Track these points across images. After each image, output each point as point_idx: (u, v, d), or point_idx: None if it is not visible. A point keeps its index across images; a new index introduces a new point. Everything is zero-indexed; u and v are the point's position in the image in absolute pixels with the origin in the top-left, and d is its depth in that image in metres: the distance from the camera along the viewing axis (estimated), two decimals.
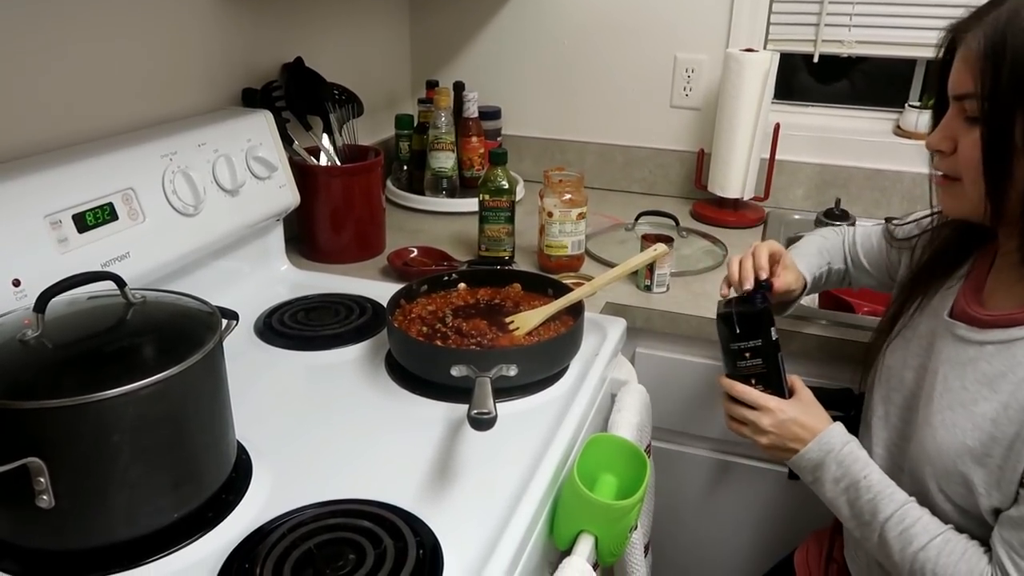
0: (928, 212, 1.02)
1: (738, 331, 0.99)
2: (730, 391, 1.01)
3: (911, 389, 0.95)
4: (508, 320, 1.13)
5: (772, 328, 0.99)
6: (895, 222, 1.12)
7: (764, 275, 1.03)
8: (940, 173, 0.89)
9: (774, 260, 1.06)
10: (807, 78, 1.93)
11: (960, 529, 0.86)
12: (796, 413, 0.98)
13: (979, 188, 0.82)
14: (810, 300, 1.60)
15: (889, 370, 0.99)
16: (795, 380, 1.02)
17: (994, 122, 0.79)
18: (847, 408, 1.07)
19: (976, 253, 0.95)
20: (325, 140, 1.50)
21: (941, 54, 0.87)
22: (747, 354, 0.99)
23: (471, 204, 1.53)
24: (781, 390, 1.00)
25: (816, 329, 1.25)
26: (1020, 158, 0.78)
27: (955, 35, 0.84)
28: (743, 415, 1.00)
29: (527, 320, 1.12)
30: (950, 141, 0.85)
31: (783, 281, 1.05)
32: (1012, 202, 0.81)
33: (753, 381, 1.00)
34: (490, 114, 1.88)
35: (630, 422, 1.04)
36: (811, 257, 1.16)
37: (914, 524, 0.87)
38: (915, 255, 1.03)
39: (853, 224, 1.60)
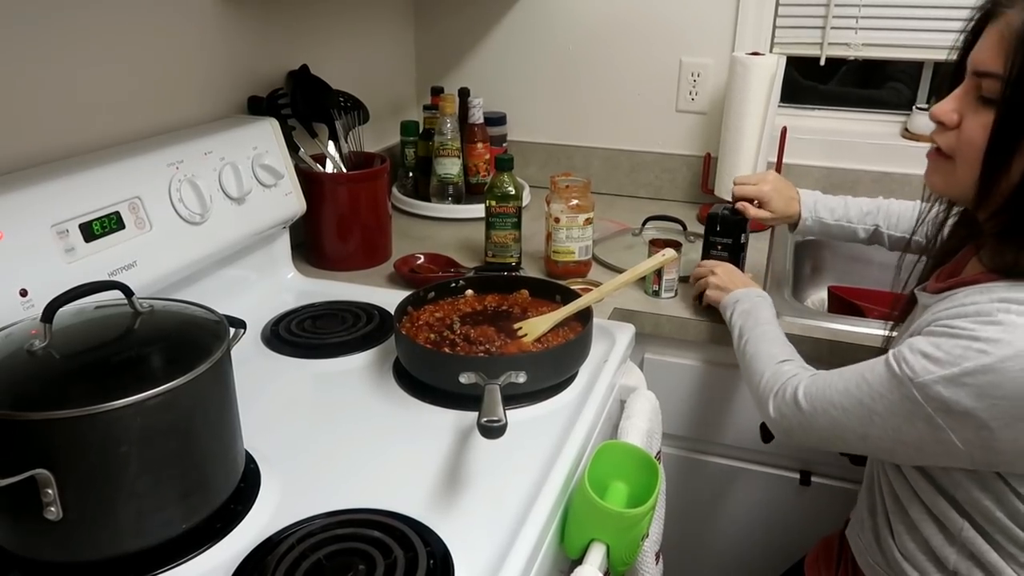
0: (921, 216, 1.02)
1: (718, 229, 1.32)
2: (703, 263, 1.32)
3: None
4: (516, 326, 1.12)
5: (743, 235, 1.32)
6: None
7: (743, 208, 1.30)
8: (934, 146, 0.86)
9: (762, 200, 1.30)
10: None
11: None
12: (743, 277, 1.24)
13: (972, 171, 0.80)
14: (819, 304, 1.59)
15: None
16: None
17: (1012, 108, 0.76)
18: None
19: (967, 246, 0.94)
20: (331, 147, 1.50)
21: (972, 24, 0.83)
22: (719, 247, 1.33)
23: (477, 210, 1.53)
24: None
25: (825, 334, 1.24)
26: (1022, 153, 0.77)
27: (993, 7, 0.79)
28: (710, 267, 1.27)
29: (535, 326, 1.11)
30: (957, 115, 0.82)
31: (757, 216, 1.29)
32: (1000, 193, 0.80)
33: None
34: (495, 120, 1.88)
35: (640, 429, 1.03)
36: (844, 209, 1.32)
37: (776, 336, 1.07)
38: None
39: None
